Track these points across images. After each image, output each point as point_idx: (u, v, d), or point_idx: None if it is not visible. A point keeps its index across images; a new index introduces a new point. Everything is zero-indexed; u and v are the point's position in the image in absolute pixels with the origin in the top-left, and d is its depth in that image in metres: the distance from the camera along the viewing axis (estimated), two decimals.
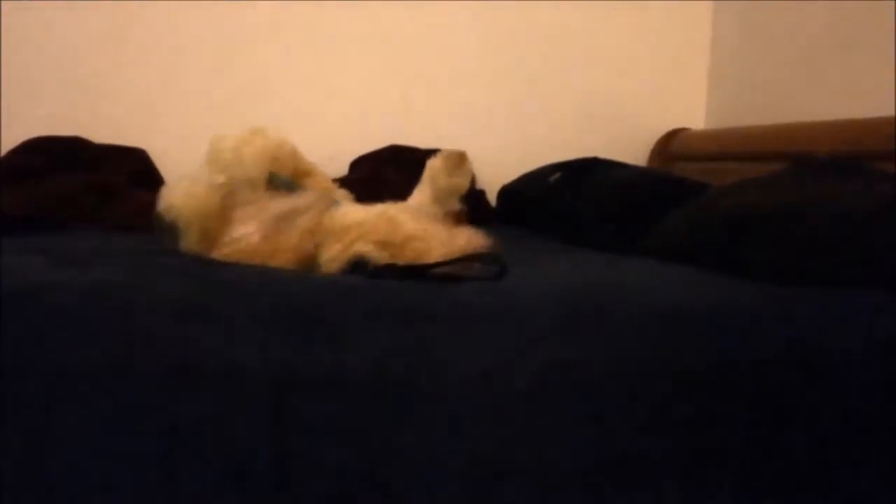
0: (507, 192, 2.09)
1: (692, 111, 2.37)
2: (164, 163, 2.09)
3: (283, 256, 1.14)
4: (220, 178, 1.16)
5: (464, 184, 1.54)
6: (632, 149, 2.30)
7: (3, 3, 2.01)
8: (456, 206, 1.58)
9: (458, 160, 1.56)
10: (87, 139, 2.02)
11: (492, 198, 2.15)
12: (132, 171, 1.97)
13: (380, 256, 1.06)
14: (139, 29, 2.11)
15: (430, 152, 2.08)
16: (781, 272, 1.08)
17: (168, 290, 0.97)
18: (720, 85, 2.32)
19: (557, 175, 1.84)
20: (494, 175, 2.15)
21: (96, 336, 0.90)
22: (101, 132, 2.05)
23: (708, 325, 0.98)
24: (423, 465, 0.90)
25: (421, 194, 1.52)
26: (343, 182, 1.43)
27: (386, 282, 1.03)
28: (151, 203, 1.28)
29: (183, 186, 1.22)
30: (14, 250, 1.26)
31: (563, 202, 1.76)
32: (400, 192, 1.61)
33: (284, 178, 1.16)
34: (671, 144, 2.29)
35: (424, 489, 0.90)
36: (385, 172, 1.99)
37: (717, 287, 1.09)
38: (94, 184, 1.84)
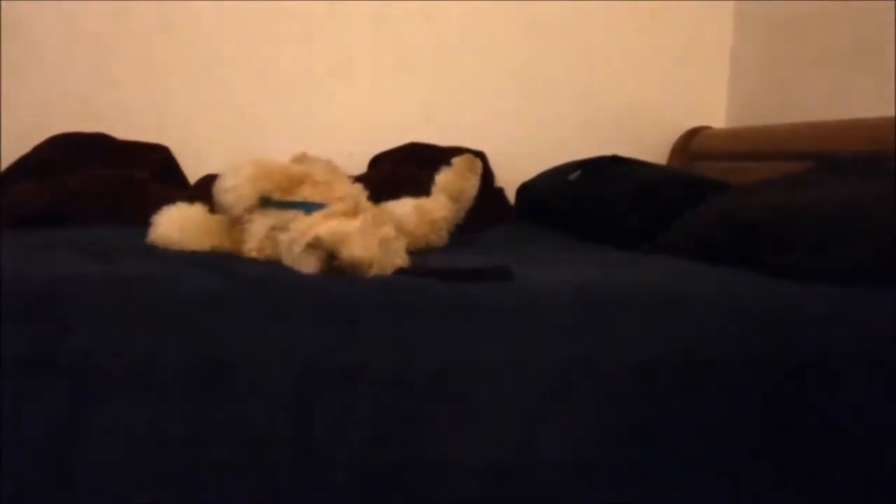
0: (526, 189, 2.09)
1: (713, 109, 2.35)
2: (184, 160, 2.12)
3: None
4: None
5: (472, 186, 1.58)
6: (652, 147, 2.29)
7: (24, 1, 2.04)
8: (468, 205, 1.60)
9: (469, 165, 1.59)
10: (111, 136, 2.05)
11: (511, 194, 2.15)
12: (156, 167, 2.00)
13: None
14: (161, 29, 2.13)
15: (450, 150, 2.09)
16: (802, 271, 1.08)
17: (193, 284, 0.98)
18: (741, 83, 2.31)
19: (577, 173, 1.84)
20: (514, 172, 2.16)
21: (122, 328, 0.92)
22: (123, 130, 2.07)
23: (726, 322, 0.98)
24: (444, 457, 0.91)
25: (435, 197, 1.55)
26: (362, 180, 1.43)
27: (408, 279, 1.04)
28: (175, 198, 1.30)
29: (176, 215, 1.25)
30: (40, 244, 1.28)
31: (582, 200, 1.75)
32: (419, 189, 1.62)
33: (274, 200, 1.22)
34: (692, 143, 2.28)
35: (445, 481, 0.91)
36: (404, 170, 2.00)
37: (736, 285, 1.09)
38: (119, 179, 1.86)
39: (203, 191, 1.41)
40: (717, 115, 2.35)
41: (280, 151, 1.64)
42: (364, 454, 0.90)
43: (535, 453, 0.92)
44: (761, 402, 0.94)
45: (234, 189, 1.18)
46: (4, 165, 1.94)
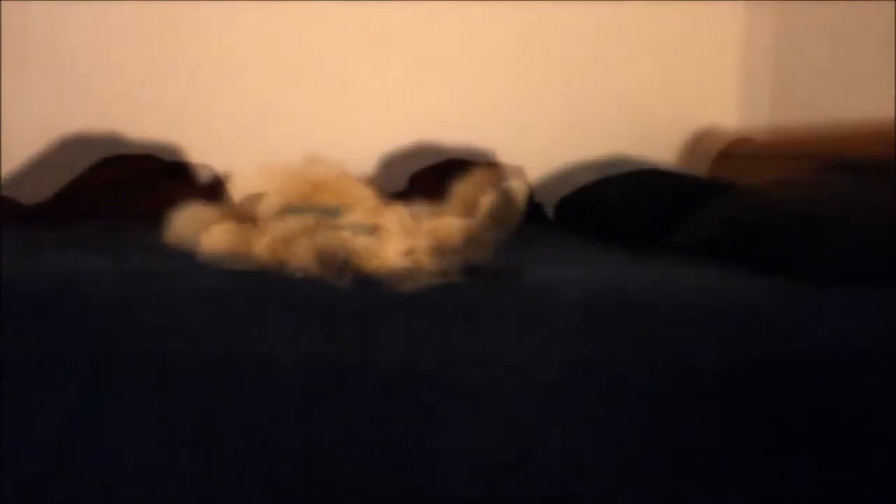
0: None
1: (724, 109, 2.34)
2: (194, 158, 2.12)
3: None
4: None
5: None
6: (662, 145, 2.28)
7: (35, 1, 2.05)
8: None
9: (487, 179, 1.59)
10: (122, 134, 2.06)
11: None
12: (166, 165, 2.00)
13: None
14: (171, 28, 2.13)
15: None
16: (810, 272, 1.07)
17: (203, 282, 0.99)
18: (751, 82, 2.30)
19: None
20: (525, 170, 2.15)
21: (132, 324, 0.92)
22: (132, 128, 2.08)
23: (730, 324, 0.98)
24: (448, 455, 0.91)
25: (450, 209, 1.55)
26: (403, 196, 1.45)
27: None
28: (184, 196, 1.31)
29: (189, 214, 1.26)
30: (51, 240, 1.29)
31: (589, 200, 1.75)
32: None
33: (295, 207, 1.22)
34: (703, 142, 2.27)
35: (449, 478, 0.91)
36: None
37: (743, 286, 1.09)
38: (129, 177, 1.87)
39: (214, 190, 1.42)
40: (728, 114, 2.34)
41: (291, 151, 1.65)
42: (369, 451, 0.91)
43: (536, 453, 0.92)
44: (763, 403, 0.94)
45: (262, 201, 1.20)
46: (5, 166, 1.94)
